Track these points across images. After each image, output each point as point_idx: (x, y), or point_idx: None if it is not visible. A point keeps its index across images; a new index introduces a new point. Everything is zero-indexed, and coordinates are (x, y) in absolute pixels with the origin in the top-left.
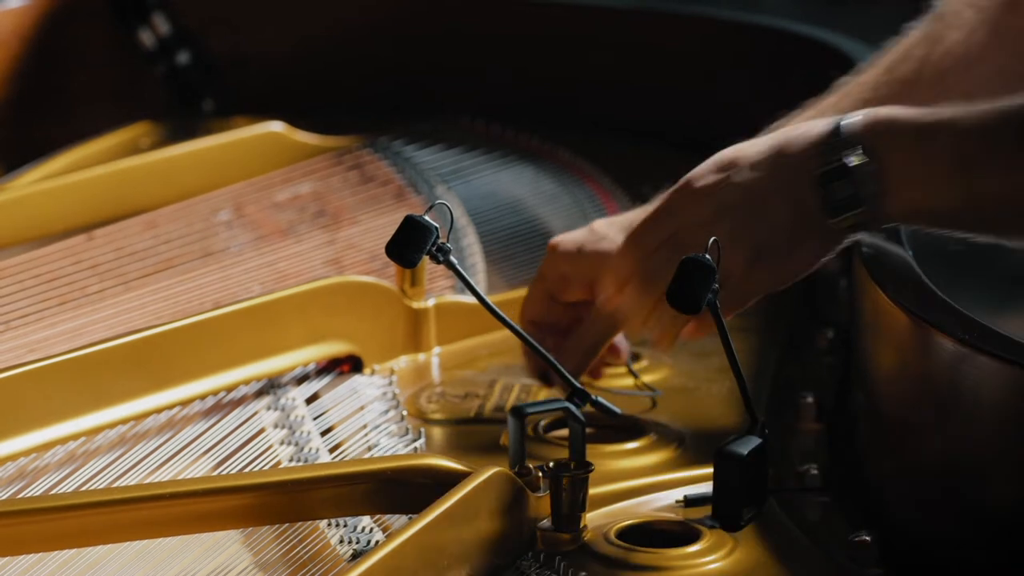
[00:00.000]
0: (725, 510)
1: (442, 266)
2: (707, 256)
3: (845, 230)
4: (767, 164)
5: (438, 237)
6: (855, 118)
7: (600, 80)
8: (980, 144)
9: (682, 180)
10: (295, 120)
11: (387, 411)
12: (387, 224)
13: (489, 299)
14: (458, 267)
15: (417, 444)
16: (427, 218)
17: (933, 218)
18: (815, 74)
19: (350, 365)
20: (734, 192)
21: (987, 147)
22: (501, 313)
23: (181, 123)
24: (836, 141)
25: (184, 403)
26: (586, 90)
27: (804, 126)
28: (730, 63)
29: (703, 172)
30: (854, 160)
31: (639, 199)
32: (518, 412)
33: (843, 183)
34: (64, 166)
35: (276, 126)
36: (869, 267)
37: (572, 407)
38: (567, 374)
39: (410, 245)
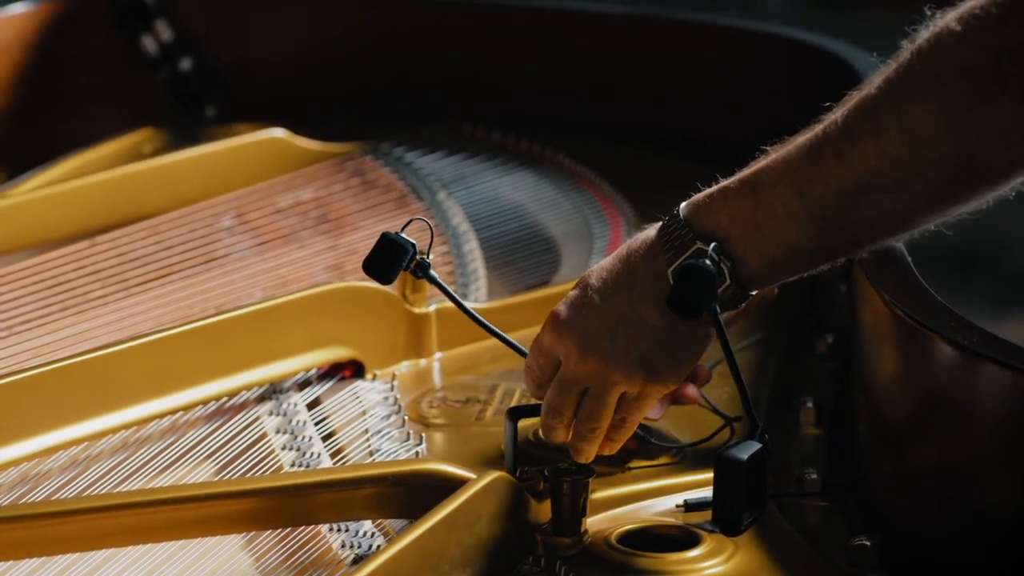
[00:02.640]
0: (725, 515)
1: (442, 270)
2: (706, 261)
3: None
4: (621, 279)
5: (416, 253)
6: (678, 210)
7: (600, 86)
8: (804, 162)
9: (549, 316)
10: (297, 126)
11: (388, 416)
12: (388, 230)
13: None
14: (439, 281)
15: (418, 449)
16: (404, 235)
17: (800, 255)
18: (814, 80)
19: (352, 370)
20: (598, 316)
21: (814, 159)
22: (490, 325)
23: (183, 129)
24: (672, 238)
25: (186, 408)
26: (586, 96)
27: (641, 234)
28: (729, 69)
29: (561, 307)
30: (696, 246)
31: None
32: (513, 414)
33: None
34: (67, 172)
35: (278, 132)
36: (868, 272)
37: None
38: None
39: (387, 262)
